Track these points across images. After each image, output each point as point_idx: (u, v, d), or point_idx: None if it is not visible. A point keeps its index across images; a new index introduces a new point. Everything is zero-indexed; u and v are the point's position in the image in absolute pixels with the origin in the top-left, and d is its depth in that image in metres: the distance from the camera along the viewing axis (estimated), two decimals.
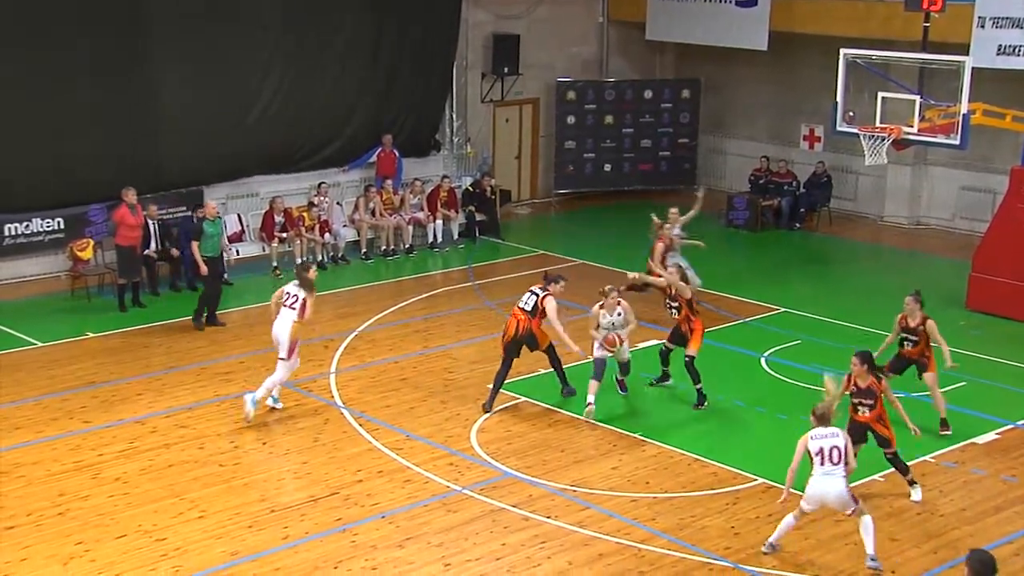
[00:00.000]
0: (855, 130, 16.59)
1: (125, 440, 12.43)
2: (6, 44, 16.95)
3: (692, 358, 13.19)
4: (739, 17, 22.08)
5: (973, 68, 15.55)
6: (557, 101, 23.67)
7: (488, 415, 13.11)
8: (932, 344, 12.72)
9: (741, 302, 17.35)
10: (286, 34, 19.64)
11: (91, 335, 15.81)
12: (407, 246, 20.35)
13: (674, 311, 13.37)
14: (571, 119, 23.83)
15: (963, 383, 14.07)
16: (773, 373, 14.58)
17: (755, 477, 11.69)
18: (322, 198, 19.69)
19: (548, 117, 23.99)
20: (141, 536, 10.42)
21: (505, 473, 11.79)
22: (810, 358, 14.74)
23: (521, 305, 13.30)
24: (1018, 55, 18.23)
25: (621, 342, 13.11)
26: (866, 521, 9.86)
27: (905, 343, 12.77)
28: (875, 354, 11.45)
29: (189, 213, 18.22)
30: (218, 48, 18.87)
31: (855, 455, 10.27)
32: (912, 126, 16.00)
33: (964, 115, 15.54)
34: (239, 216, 19.52)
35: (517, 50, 22.80)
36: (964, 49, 17.61)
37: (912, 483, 11.28)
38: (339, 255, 19.73)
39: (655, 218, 16.59)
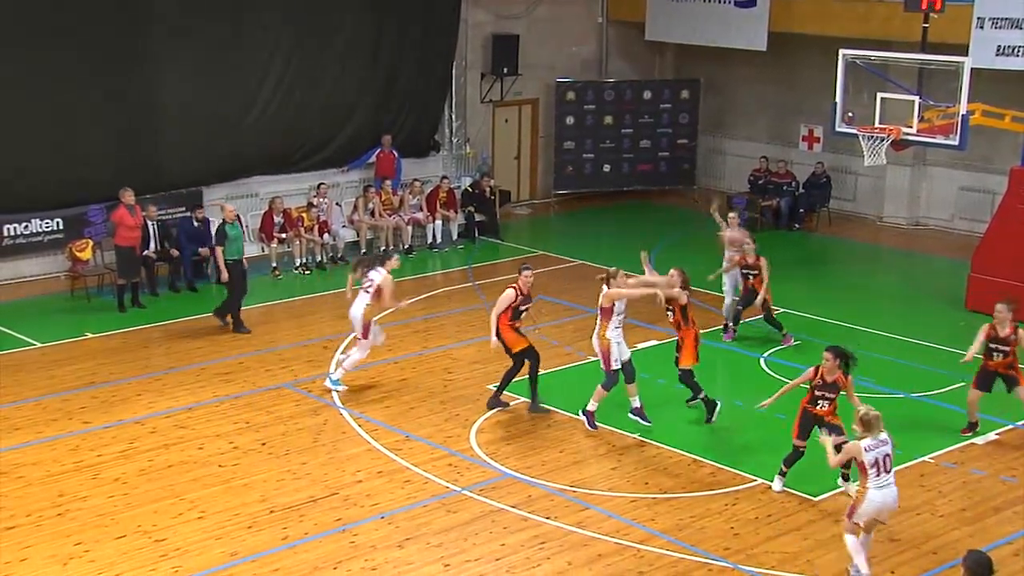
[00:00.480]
0: (854, 131, 16.60)
1: (125, 440, 12.43)
2: (6, 44, 16.96)
3: (685, 372, 12.92)
4: (738, 17, 22.09)
5: (972, 69, 15.55)
6: (556, 101, 23.67)
7: (489, 414, 13.11)
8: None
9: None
10: (285, 34, 19.65)
11: (90, 335, 15.80)
12: (406, 247, 20.35)
13: (669, 313, 13.04)
14: (570, 119, 23.83)
15: (962, 383, 14.06)
16: (772, 374, 14.57)
17: (754, 478, 11.69)
18: (321, 199, 19.69)
19: (547, 117, 23.99)
20: (141, 536, 10.43)
21: (504, 474, 11.79)
22: (809, 359, 14.68)
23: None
24: (1017, 55, 18.23)
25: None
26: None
27: (994, 354, 12.41)
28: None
29: (188, 214, 18.24)
30: (217, 48, 18.87)
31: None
32: (911, 127, 16.00)
33: (963, 116, 15.54)
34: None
35: (516, 50, 22.80)
36: (963, 50, 17.60)
37: (847, 478, 11.17)
38: (338, 255, 19.73)
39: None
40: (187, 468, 11.82)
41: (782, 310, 16.68)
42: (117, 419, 13.01)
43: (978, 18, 18.48)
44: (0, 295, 17.44)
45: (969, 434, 12.68)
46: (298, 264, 19.15)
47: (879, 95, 16.38)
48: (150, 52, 18.22)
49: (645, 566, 10.04)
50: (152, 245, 17.60)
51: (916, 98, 16.07)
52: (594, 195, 24.19)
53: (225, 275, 15.90)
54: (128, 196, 16.71)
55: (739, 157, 24.28)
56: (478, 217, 21.24)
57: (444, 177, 21.39)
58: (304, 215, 19.33)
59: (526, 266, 13.25)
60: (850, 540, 9.65)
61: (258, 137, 19.59)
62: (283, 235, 19.02)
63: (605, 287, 12.50)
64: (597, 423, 12.70)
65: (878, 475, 9.41)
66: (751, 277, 15.54)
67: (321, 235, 19.43)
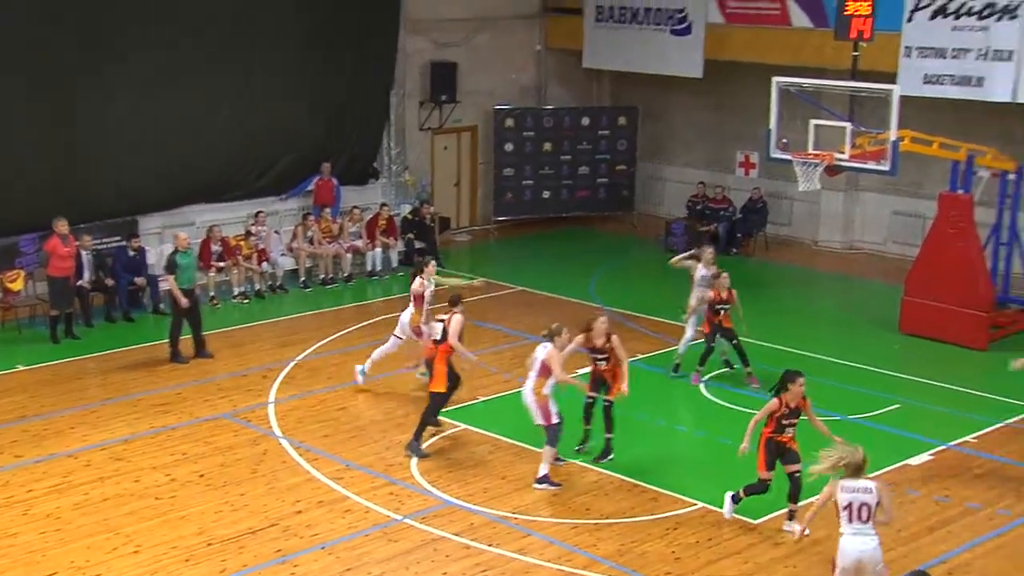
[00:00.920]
0: (789, 156, 16.85)
1: (58, 475, 12.19)
2: None
3: (612, 403, 12.59)
4: (674, 45, 22.36)
5: (901, 96, 15.89)
6: (495, 128, 23.77)
7: (431, 440, 13.06)
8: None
9: (678, 327, 17.45)
10: (224, 63, 19.51)
11: (22, 368, 15.51)
12: (346, 274, 20.27)
13: (601, 362, 12.57)
14: (509, 146, 23.93)
15: (897, 405, 14.30)
16: (712, 398, 14.69)
17: (695, 502, 11.75)
18: (260, 227, 19.56)
19: (487, 144, 24.08)
20: (73, 573, 10.22)
21: (446, 501, 11.74)
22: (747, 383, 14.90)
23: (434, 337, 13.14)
24: (943, 84, 18.64)
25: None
26: None
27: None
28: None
29: (124, 243, 18.01)
30: (154, 77, 18.68)
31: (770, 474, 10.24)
32: (844, 152, 16.26)
33: (893, 142, 15.86)
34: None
35: (455, 78, 22.88)
36: (892, 78, 18.00)
37: (791, 517, 11.08)
38: (277, 284, 19.59)
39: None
40: (123, 501, 11.62)
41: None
42: (49, 452, 12.76)
43: (906, 47, 18.89)
44: None
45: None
46: (236, 293, 18.98)
47: (812, 122, 16.65)
48: (85, 81, 17.99)
49: None
50: (87, 275, 17.35)
51: (848, 125, 16.35)
52: (534, 221, 24.28)
53: (184, 301, 15.65)
54: (62, 226, 16.46)
55: (677, 183, 24.53)
56: (418, 244, 21.18)
57: (384, 204, 21.34)
58: (242, 243, 19.18)
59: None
60: None
61: (195, 166, 19.40)
62: (221, 264, 18.84)
63: (548, 344, 11.97)
64: (558, 481, 12.16)
65: (850, 521, 8.96)
66: (721, 312, 14.87)
67: (260, 263, 19.29)
